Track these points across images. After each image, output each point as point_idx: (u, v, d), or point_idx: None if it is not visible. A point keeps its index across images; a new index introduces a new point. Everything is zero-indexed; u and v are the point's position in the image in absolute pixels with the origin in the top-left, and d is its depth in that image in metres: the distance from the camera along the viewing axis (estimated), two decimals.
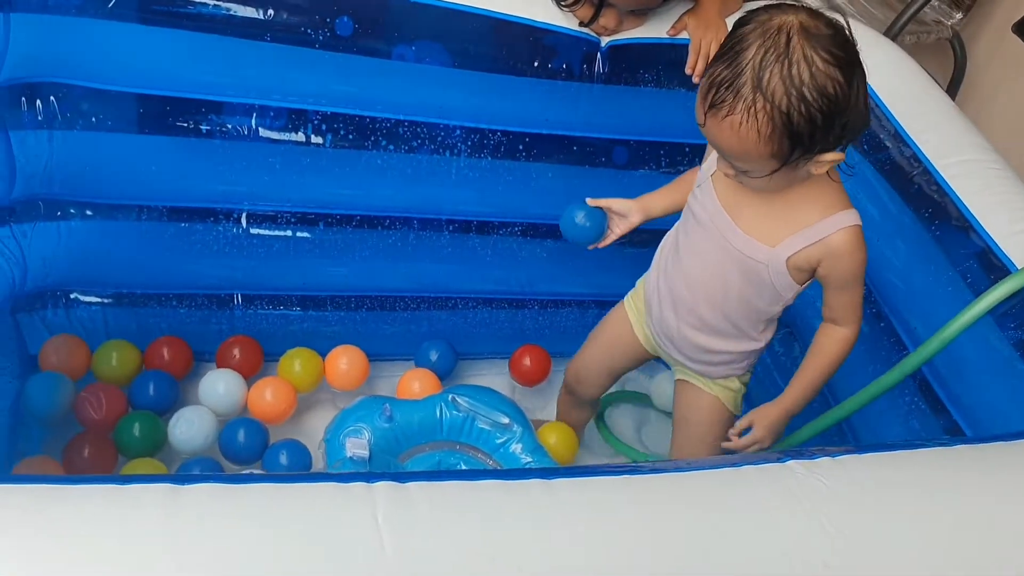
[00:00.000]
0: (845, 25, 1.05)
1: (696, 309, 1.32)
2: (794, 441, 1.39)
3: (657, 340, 1.44)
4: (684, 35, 1.57)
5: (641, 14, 1.55)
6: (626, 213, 1.41)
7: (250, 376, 1.67)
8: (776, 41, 1.02)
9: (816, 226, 1.16)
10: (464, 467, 1.54)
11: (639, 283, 1.50)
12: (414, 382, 1.70)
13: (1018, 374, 1.21)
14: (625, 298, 1.52)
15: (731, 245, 1.22)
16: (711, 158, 1.24)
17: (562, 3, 1.51)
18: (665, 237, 1.39)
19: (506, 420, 1.55)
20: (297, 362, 1.68)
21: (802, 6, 1.06)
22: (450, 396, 1.57)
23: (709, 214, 1.25)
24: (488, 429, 1.55)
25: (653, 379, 1.87)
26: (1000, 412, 1.23)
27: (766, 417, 1.31)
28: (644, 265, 1.60)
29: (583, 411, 1.71)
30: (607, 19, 1.52)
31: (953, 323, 1.22)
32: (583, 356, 1.59)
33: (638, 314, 1.48)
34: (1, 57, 1.31)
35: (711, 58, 1.50)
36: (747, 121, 1.03)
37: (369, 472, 0.97)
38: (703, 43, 1.53)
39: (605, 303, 1.89)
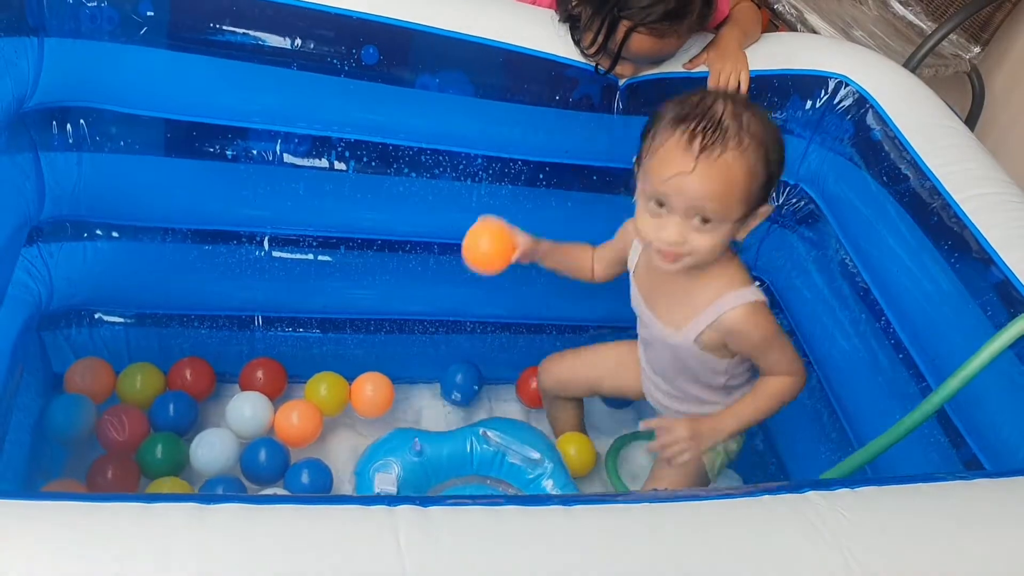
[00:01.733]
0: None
1: (665, 375, 1.44)
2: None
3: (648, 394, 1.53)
4: (701, 68, 1.58)
5: (657, 63, 1.58)
6: (526, 245, 1.43)
7: (275, 398, 1.68)
8: (733, 99, 1.17)
9: (710, 308, 1.26)
10: None
11: None
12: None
13: None
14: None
15: (652, 332, 1.36)
16: (630, 262, 1.39)
17: (584, 52, 1.54)
18: None
19: (537, 455, 1.55)
20: (324, 386, 1.70)
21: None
22: (481, 430, 1.58)
23: (637, 305, 1.39)
24: (519, 464, 1.56)
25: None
26: (1020, 445, 1.23)
27: (692, 421, 1.32)
28: None
29: (576, 409, 1.74)
30: (624, 68, 1.55)
31: (974, 359, 1.21)
32: (571, 364, 1.65)
33: None
34: (35, 81, 1.34)
35: (731, 89, 1.54)
36: (739, 159, 1.12)
37: (390, 497, 0.98)
38: (723, 76, 1.54)
39: (622, 328, 1.91)
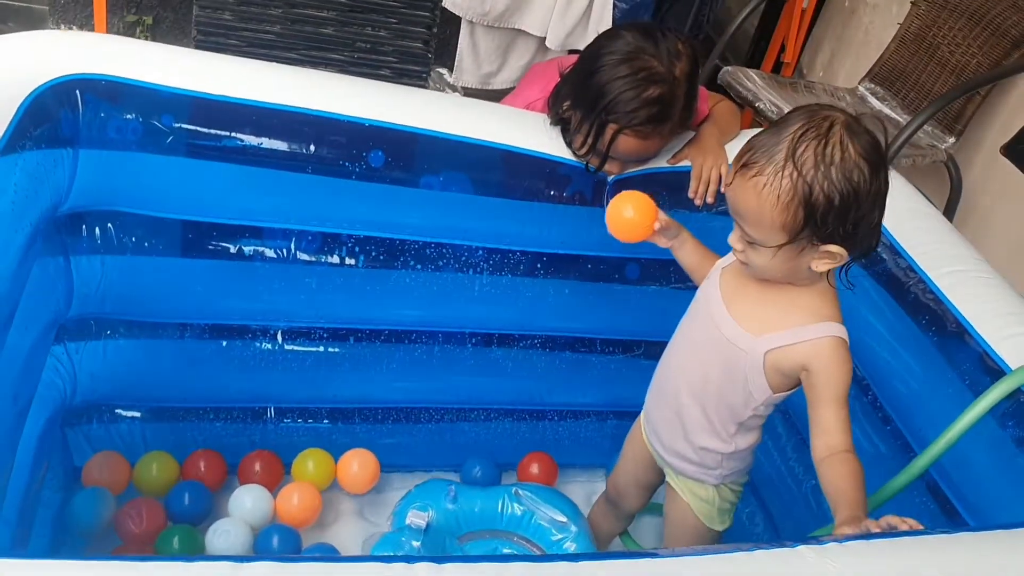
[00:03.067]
0: (883, 134, 1.15)
1: (678, 395, 1.38)
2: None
3: (647, 438, 1.50)
4: (684, 162, 1.69)
5: (642, 161, 1.68)
6: (670, 227, 1.43)
7: (275, 487, 1.73)
8: (819, 124, 1.12)
9: (803, 328, 1.22)
10: None
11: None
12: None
13: (1021, 470, 1.27)
14: (642, 412, 1.57)
15: (719, 331, 1.29)
16: (726, 257, 1.33)
17: (575, 152, 1.64)
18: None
19: (563, 519, 1.63)
20: (311, 462, 1.76)
21: (850, 113, 1.17)
22: (514, 489, 1.68)
23: (708, 302, 1.33)
24: (545, 525, 1.64)
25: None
26: (1007, 509, 1.28)
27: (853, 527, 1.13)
28: None
29: (618, 523, 1.75)
30: (612, 166, 1.65)
31: (955, 425, 1.28)
32: (616, 470, 1.65)
33: (646, 423, 1.54)
34: (68, 188, 1.44)
35: (712, 183, 1.63)
36: (771, 183, 1.11)
37: (407, 555, 1.03)
38: (704, 169, 1.65)
39: (623, 413, 1.96)
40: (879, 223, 1.17)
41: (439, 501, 1.62)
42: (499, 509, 1.67)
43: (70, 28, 3.14)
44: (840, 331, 1.22)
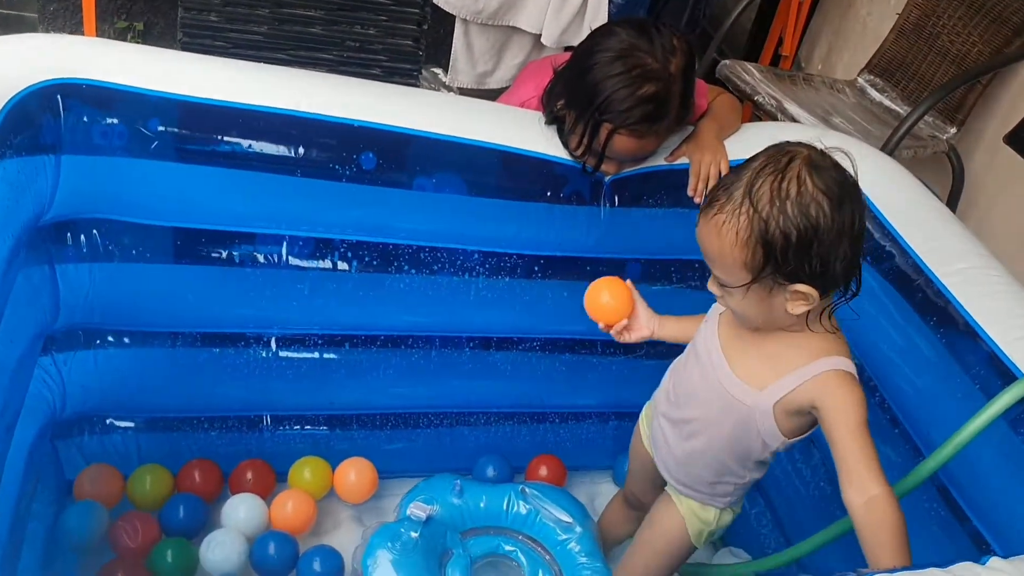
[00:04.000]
0: (851, 167, 1.11)
1: (691, 442, 1.35)
2: (805, 549, 1.38)
3: (649, 450, 1.48)
4: (682, 160, 1.66)
5: (639, 160, 1.65)
6: (643, 322, 1.45)
7: (268, 495, 1.70)
8: (778, 160, 1.11)
9: (802, 369, 1.18)
10: (522, 556, 1.63)
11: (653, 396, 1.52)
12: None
13: None
14: (641, 415, 1.55)
15: (722, 387, 1.26)
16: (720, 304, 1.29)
17: (571, 152, 1.61)
18: (675, 362, 1.43)
19: (569, 519, 1.62)
20: (307, 470, 1.74)
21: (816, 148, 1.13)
22: (521, 487, 1.67)
23: (708, 350, 1.29)
24: (551, 525, 1.63)
25: None
26: (1020, 516, 1.25)
27: None
28: (659, 377, 1.64)
29: (633, 520, 1.71)
30: (608, 166, 1.62)
31: (966, 428, 1.25)
32: (629, 477, 1.64)
33: (644, 428, 1.52)
34: (51, 197, 1.40)
35: (711, 179, 1.60)
36: (729, 221, 1.10)
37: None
38: (702, 166, 1.61)
39: (624, 415, 1.94)
40: (853, 260, 1.12)
41: (445, 495, 1.62)
42: (504, 507, 1.66)
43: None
44: (841, 363, 1.18)
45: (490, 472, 1.83)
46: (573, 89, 1.55)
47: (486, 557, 1.63)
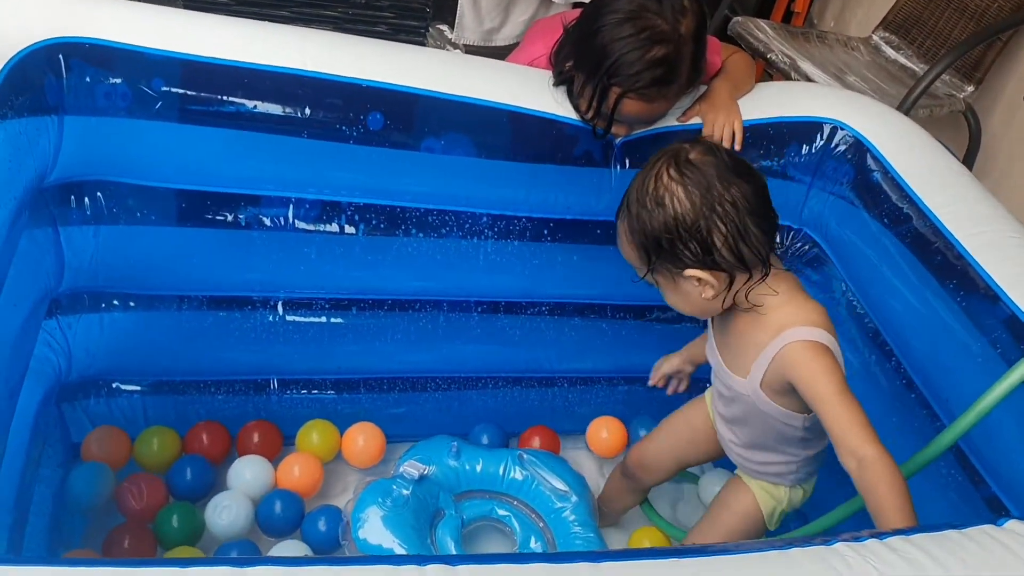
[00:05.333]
0: (722, 157, 1.18)
1: (737, 430, 1.39)
2: (829, 521, 1.38)
3: (719, 431, 1.47)
4: (695, 120, 1.62)
5: (650, 123, 1.61)
6: (680, 368, 1.55)
7: (275, 457, 1.70)
8: (652, 162, 1.21)
9: (767, 348, 1.22)
10: (515, 522, 1.62)
11: None
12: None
13: None
14: (707, 393, 1.53)
15: (727, 380, 1.32)
16: None
17: (581, 115, 1.57)
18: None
19: (565, 488, 1.62)
20: (315, 434, 1.73)
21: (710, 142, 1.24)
22: (519, 453, 1.66)
23: (711, 355, 1.37)
24: (546, 493, 1.62)
25: (704, 473, 1.88)
26: None
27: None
28: (672, 340, 1.63)
29: (634, 497, 1.71)
30: (619, 129, 1.58)
31: (987, 396, 1.21)
32: (653, 443, 1.61)
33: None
34: (54, 158, 1.38)
35: (724, 140, 1.57)
36: (620, 227, 1.25)
37: (420, 556, 0.99)
38: (715, 126, 1.57)
39: (634, 380, 1.92)
40: (740, 237, 1.16)
41: (442, 456, 1.63)
42: (501, 472, 1.66)
43: None
44: (801, 333, 1.20)
45: (484, 439, 1.82)
46: (581, 51, 1.51)
47: (479, 520, 1.63)
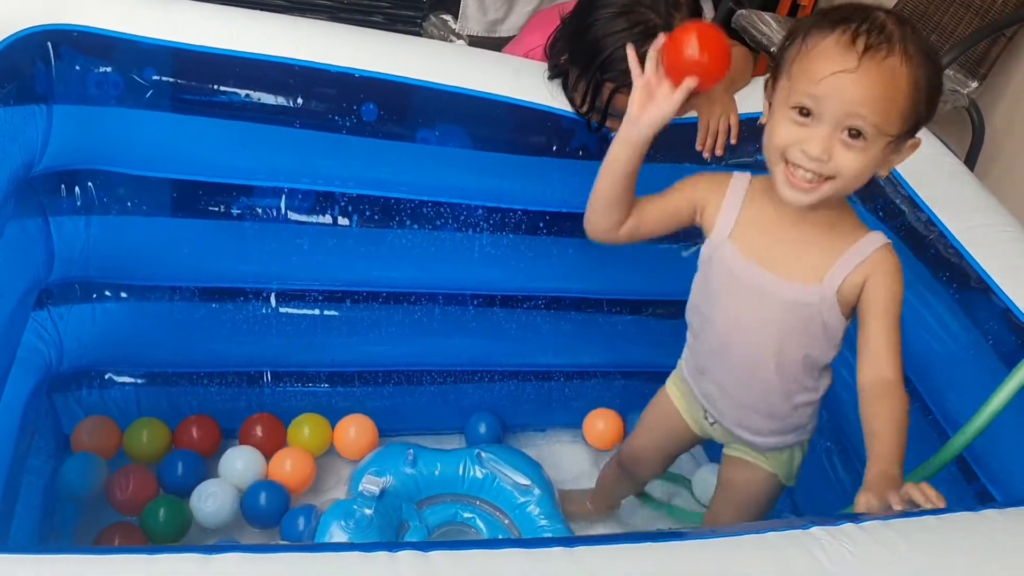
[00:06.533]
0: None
1: (754, 379, 1.28)
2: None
3: (713, 422, 1.40)
4: (691, 113, 1.60)
5: None
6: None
7: (272, 452, 1.69)
8: (891, 14, 1.06)
9: (854, 248, 1.15)
10: (480, 523, 1.58)
11: (680, 364, 1.46)
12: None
13: None
14: (667, 382, 1.49)
15: (776, 299, 1.19)
16: (718, 227, 1.22)
17: (576, 109, 1.56)
18: (689, 315, 1.35)
19: (526, 482, 1.58)
20: (306, 427, 1.72)
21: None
22: (477, 451, 1.62)
23: (740, 276, 1.21)
24: (508, 488, 1.59)
25: (696, 471, 1.86)
26: None
27: (878, 492, 1.04)
28: (667, 336, 1.61)
29: (630, 486, 1.70)
30: (613, 123, 1.56)
31: (995, 398, 1.18)
32: (636, 441, 1.58)
33: (683, 398, 1.45)
34: (43, 147, 1.37)
35: (720, 134, 1.55)
36: (905, 65, 1.02)
37: (392, 542, 0.98)
38: (712, 120, 1.56)
39: (631, 374, 1.92)
40: None
41: (398, 465, 1.57)
42: (460, 472, 1.61)
43: None
44: (883, 237, 1.16)
45: (482, 430, 1.81)
46: (575, 45, 1.51)
47: (444, 526, 1.59)
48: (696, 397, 1.40)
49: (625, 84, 1.46)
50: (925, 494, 0.97)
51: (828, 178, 1.07)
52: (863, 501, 1.01)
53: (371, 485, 1.47)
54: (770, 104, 1.14)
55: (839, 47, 1.03)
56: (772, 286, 1.18)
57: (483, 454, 1.62)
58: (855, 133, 1.04)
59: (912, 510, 0.95)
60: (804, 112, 1.05)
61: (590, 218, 1.27)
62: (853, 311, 1.19)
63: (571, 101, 1.57)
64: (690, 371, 1.40)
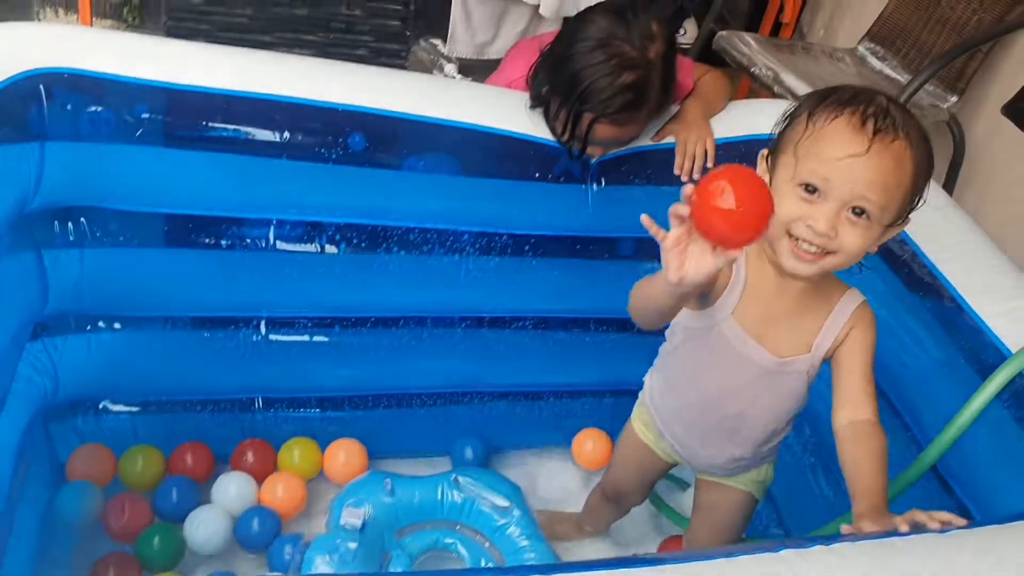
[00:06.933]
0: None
1: (732, 435, 1.32)
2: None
3: (684, 459, 1.44)
4: (669, 139, 1.65)
5: (623, 144, 1.64)
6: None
7: (264, 477, 1.71)
8: (889, 98, 1.09)
9: (836, 310, 1.20)
10: (462, 548, 1.58)
11: (640, 400, 1.50)
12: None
13: (1022, 453, 1.24)
14: (632, 419, 1.52)
15: (768, 371, 1.22)
16: (724, 299, 1.21)
17: (557, 137, 1.60)
18: (670, 371, 1.38)
19: (505, 503, 1.60)
20: (296, 452, 1.74)
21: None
22: (453, 476, 1.63)
23: (739, 350, 1.22)
24: (487, 511, 1.60)
25: (684, 494, 1.89)
26: (1004, 490, 1.25)
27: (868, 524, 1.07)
28: (653, 352, 1.63)
29: (616, 512, 1.72)
30: (593, 150, 1.62)
31: (963, 412, 1.24)
32: (614, 475, 1.61)
33: (650, 432, 1.48)
34: (36, 184, 1.40)
35: (697, 158, 1.59)
36: (909, 148, 1.06)
37: (377, 573, 1.00)
38: (688, 144, 1.61)
39: (620, 393, 1.93)
40: None
41: (376, 495, 1.57)
42: (439, 498, 1.62)
43: (56, 13, 3.09)
44: (859, 295, 1.22)
45: (468, 453, 1.83)
46: (555, 76, 1.55)
47: (426, 553, 1.60)
48: (664, 437, 1.43)
49: (604, 115, 1.50)
50: (934, 517, 1.00)
51: (830, 252, 1.09)
52: (861, 527, 1.03)
53: (352, 518, 1.48)
54: (770, 179, 1.15)
55: (850, 129, 1.06)
56: (765, 361, 1.22)
57: (460, 478, 1.63)
58: (860, 211, 1.07)
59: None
60: (811, 189, 1.08)
61: (634, 316, 1.22)
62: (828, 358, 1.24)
63: (552, 130, 1.61)
64: (662, 419, 1.42)
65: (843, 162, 1.05)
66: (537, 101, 1.61)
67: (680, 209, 0.98)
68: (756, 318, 1.20)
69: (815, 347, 1.20)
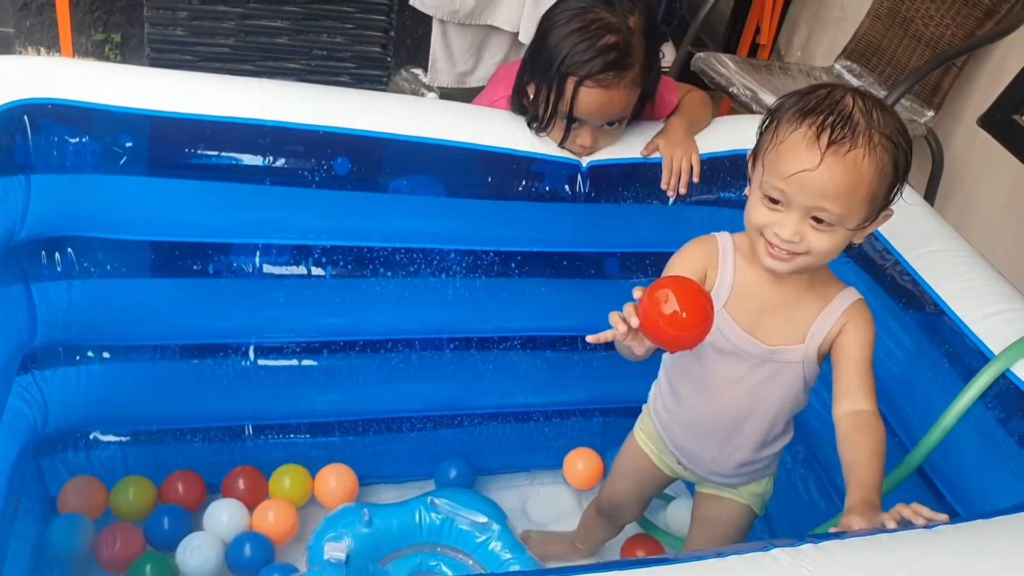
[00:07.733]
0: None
1: (732, 436, 1.34)
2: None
3: (686, 468, 1.45)
4: (656, 154, 1.66)
5: (611, 124, 1.61)
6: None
7: (255, 505, 1.71)
8: (864, 95, 1.12)
9: (831, 306, 1.24)
10: (446, 568, 1.58)
11: (645, 411, 1.52)
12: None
13: (1006, 453, 1.25)
14: (635, 430, 1.54)
15: (762, 363, 1.26)
16: (715, 295, 1.23)
17: (534, 127, 1.60)
18: (671, 373, 1.40)
19: (484, 519, 1.60)
20: (287, 479, 1.74)
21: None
22: (429, 499, 1.63)
23: (732, 343, 1.26)
24: (467, 530, 1.60)
25: (668, 505, 1.89)
26: (991, 491, 1.26)
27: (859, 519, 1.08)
28: (644, 370, 1.64)
29: (610, 530, 1.72)
30: (582, 137, 1.59)
31: (948, 413, 1.26)
32: (613, 489, 1.61)
33: (652, 444, 1.50)
34: (22, 216, 1.41)
35: (683, 173, 1.61)
36: (869, 155, 1.07)
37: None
38: (674, 160, 1.62)
39: (609, 411, 1.94)
40: None
41: (354, 527, 1.56)
42: (417, 521, 1.62)
43: (37, 50, 3.12)
44: (856, 293, 1.25)
45: (452, 474, 1.83)
46: (535, 59, 1.55)
47: None
48: (667, 446, 1.44)
49: (588, 75, 1.49)
50: (918, 512, 1.02)
51: (801, 253, 1.15)
52: (850, 523, 1.05)
53: (336, 552, 1.46)
54: (750, 181, 1.21)
55: (804, 143, 1.09)
56: (759, 352, 1.26)
57: (436, 500, 1.63)
58: (819, 219, 1.12)
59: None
60: (774, 200, 1.14)
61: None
62: (826, 357, 1.27)
63: (534, 118, 1.59)
64: (664, 425, 1.44)
65: (794, 178, 1.09)
66: (519, 104, 1.62)
67: (630, 320, 1.10)
68: (748, 310, 1.25)
69: (809, 338, 1.24)
